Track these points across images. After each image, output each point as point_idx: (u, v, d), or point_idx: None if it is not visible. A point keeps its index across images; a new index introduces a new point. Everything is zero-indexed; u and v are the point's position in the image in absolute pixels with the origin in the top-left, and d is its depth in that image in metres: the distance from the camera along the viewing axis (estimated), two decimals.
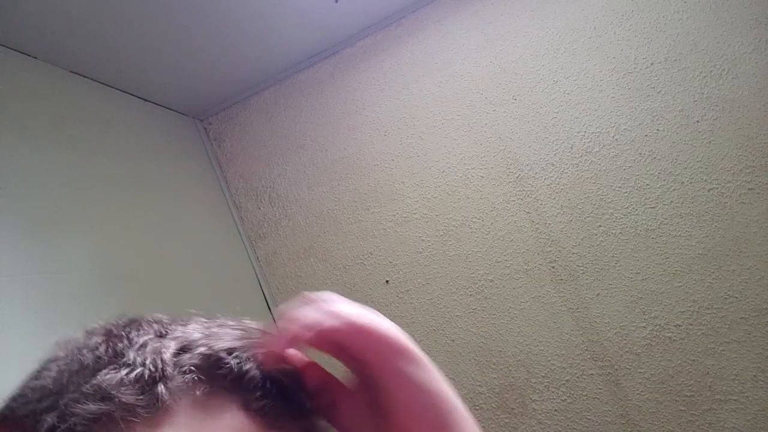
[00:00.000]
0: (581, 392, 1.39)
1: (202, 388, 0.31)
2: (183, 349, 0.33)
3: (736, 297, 1.29)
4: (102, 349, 0.32)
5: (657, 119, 1.39)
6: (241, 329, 0.38)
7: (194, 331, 0.35)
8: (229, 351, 0.34)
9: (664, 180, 1.37)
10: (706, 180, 1.34)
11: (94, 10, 1.11)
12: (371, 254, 1.60)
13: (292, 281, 1.68)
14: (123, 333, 0.34)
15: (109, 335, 0.33)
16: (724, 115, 1.33)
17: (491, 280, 1.48)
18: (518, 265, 1.47)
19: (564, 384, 1.41)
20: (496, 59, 1.53)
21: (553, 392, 1.42)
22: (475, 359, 1.48)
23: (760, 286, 1.28)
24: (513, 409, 1.44)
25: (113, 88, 1.41)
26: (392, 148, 1.61)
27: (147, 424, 0.28)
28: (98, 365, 0.31)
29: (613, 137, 1.42)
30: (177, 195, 1.48)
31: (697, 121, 1.35)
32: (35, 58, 1.17)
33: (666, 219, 1.36)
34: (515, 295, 1.46)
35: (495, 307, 1.48)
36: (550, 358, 1.42)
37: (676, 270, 1.34)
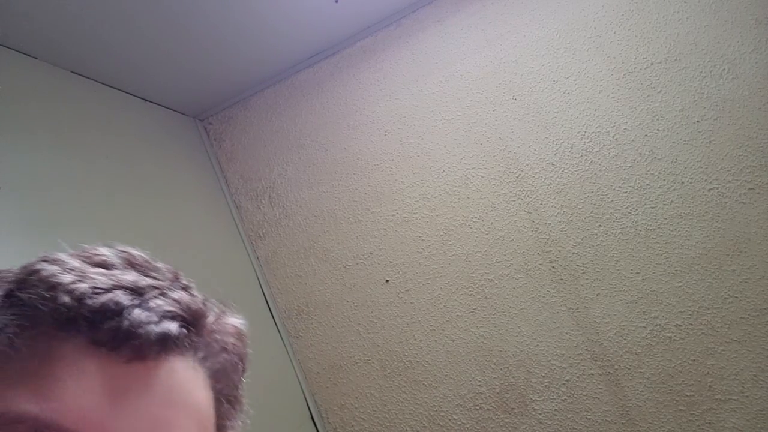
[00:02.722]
0: (581, 392, 1.39)
1: (29, 334, 0.27)
2: (9, 295, 0.29)
3: (737, 297, 1.29)
4: None
5: (657, 119, 1.39)
6: (94, 260, 0.32)
7: (29, 269, 0.30)
8: (62, 284, 0.29)
9: (664, 180, 1.37)
10: (706, 180, 1.34)
11: (95, 10, 1.11)
12: (371, 254, 1.60)
13: (292, 281, 1.68)
14: None
15: None
16: (724, 114, 1.33)
17: (491, 280, 1.48)
18: (518, 264, 1.47)
19: (564, 384, 1.41)
20: (496, 59, 1.53)
21: (553, 392, 1.42)
22: (475, 359, 1.48)
23: (760, 285, 1.28)
24: (513, 409, 1.44)
25: (113, 88, 1.41)
26: (392, 148, 1.61)
27: None
28: None
29: (613, 137, 1.42)
30: (177, 195, 1.48)
31: (697, 121, 1.36)
32: (35, 58, 1.17)
33: (666, 219, 1.36)
34: (515, 294, 1.46)
35: (495, 306, 1.48)
36: (550, 358, 1.42)
37: (676, 270, 1.34)
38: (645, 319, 1.36)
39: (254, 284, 1.65)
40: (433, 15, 1.60)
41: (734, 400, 1.28)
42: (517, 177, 1.49)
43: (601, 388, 1.38)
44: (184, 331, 0.31)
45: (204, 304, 0.35)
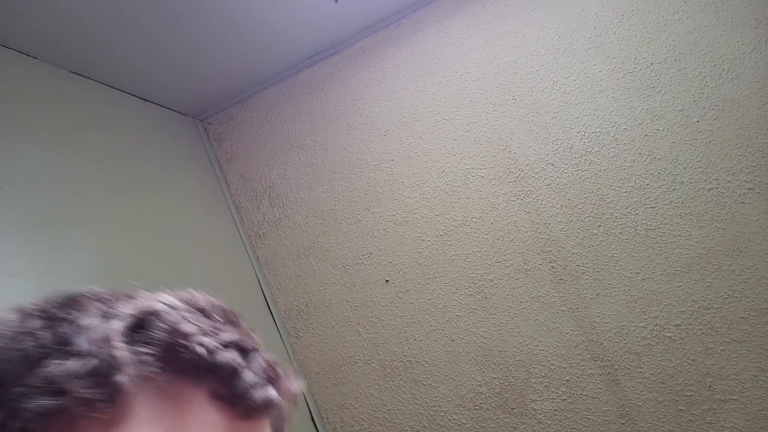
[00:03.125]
0: (581, 392, 1.39)
1: (165, 376, 0.29)
2: (134, 330, 0.29)
3: (736, 297, 1.29)
4: (43, 334, 0.28)
5: (657, 119, 1.39)
6: (198, 305, 0.34)
7: (145, 307, 0.31)
8: (192, 333, 0.30)
9: (664, 180, 1.37)
10: (706, 180, 1.34)
11: (95, 11, 1.11)
12: (371, 254, 1.60)
13: (292, 281, 1.68)
14: (64, 315, 0.29)
15: (49, 318, 0.29)
16: (723, 114, 1.33)
17: (491, 280, 1.48)
18: (518, 264, 1.47)
19: (564, 384, 1.41)
20: (496, 59, 1.53)
21: (553, 392, 1.42)
22: (475, 359, 1.48)
23: (760, 285, 1.28)
24: (513, 408, 1.44)
25: (113, 88, 1.41)
26: (392, 148, 1.61)
27: (107, 420, 0.26)
28: (43, 354, 0.27)
29: (612, 137, 1.42)
30: (177, 195, 1.48)
31: (697, 121, 1.36)
32: (35, 58, 1.17)
33: (666, 219, 1.36)
34: (515, 294, 1.46)
35: (495, 306, 1.48)
36: (550, 358, 1.42)
37: (676, 270, 1.34)
38: (645, 318, 1.36)
39: (254, 284, 1.65)
40: (433, 15, 1.60)
41: (734, 399, 1.28)
42: (517, 177, 1.49)
43: (600, 388, 1.38)
44: (279, 397, 0.34)
45: (280, 364, 0.39)
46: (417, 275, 1.55)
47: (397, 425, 1.53)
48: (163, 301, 0.32)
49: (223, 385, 0.31)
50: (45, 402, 0.25)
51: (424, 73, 1.60)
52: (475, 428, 1.46)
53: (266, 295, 1.66)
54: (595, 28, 1.45)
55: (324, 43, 1.64)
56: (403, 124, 1.61)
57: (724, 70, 1.34)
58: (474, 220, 1.51)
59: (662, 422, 1.33)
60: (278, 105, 1.74)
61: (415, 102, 1.60)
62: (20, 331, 0.28)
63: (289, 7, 1.37)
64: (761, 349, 1.27)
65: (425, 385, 1.52)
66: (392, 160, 1.61)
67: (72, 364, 0.26)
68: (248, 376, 0.32)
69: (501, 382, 1.46)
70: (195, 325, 0.31)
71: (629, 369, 1.36)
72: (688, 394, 1.31)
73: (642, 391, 1.35)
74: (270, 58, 1.60)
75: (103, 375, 0.27)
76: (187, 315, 0.32)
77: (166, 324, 0.30)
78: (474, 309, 1.49)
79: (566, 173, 1.45)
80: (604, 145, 1.42)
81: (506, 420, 1.44)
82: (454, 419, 1.48)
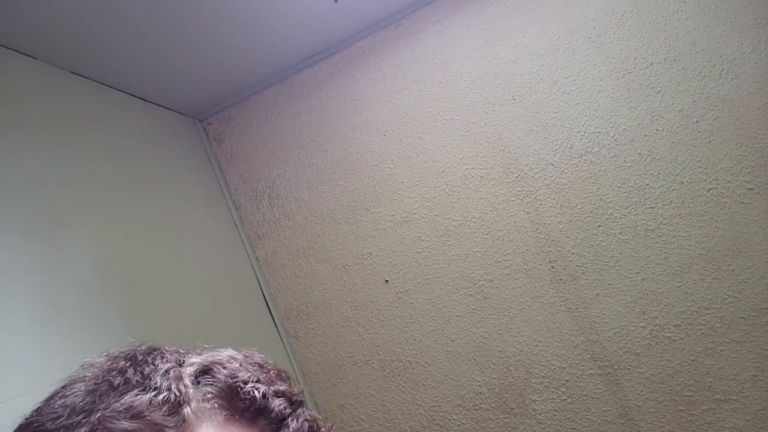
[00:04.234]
0: (581, 392, 1.39)
1: (224, 413, 0.34)
2: (201, 374, 0.36)
3: (736, 297, 1.29)
4: (130, 372, 0.35)
5: (656, 119, 1.39)
6: (255, 360, 0.40)
7: (212, 357, 0.38)
8: (249, 380, 0.36)
9: (664, 180, 1.37)
10: (705, 180, 1.34)
11: (94, 11, 1.12)
12: (371, 254, 1.60)
13: (291, 281, 1.68)
14: (148, 359, 0.37)
15: (134, 360, 0.37)
16: (723, 115, 1.33)
17: (491, 280, 1.48)
18: (518, 265, 1.47)
19: (564, 384, 1.41)
20: (496, 59, 1.53)
21: (552, 392, 1.42)
22: (474, 359, 1.48)
23: (759, 285, 1.28)
24: (513, 409, 1.44)
25: (113, 88, 1.41)
26: (392, 148, 1.61)
27: None
28: (128, 387, 0.33)
29: (612, 137, 1.42)
30: (176, 195, 1.48)
31: (697, 121, 1.36)
32: (35, 58, 1.18)
33: (665, 219, 1.36)
34: (515, 295, 1.46)
35: (494, 307, 1.48)
36: (549, 358, 1.42)
37: (675, 270, 1.34)
38: (644, 319, 1.36)
39: (254, 284, 1.65)
40: (432, 15, 1.60)
41: (734, 400, 1.28)
42: (517, 177, 1.49)
43: (600, 388, 1.38)
44: None
45: (323, 421, 0.42)
46: (417, 275, 1.55)
47: (397, 425, 1.53)
48: (226, 353, 0.39)
49: (271, 428, 0.35)
50: (125, 424, 0.31)
51: (423, 74, 1.60)
52: (475, 428, 1.46)
53: (266, 296, 1.66)
54: (594, 28, 1.45)
55: (324, 44, 1.64)
56: (402, 124, 1.61)
57: (723, 70, 1.34)
58: (473, 220, 1.51)
59: (662, 422, 1.33)
60: (278, 105, 1.74)
61: (414, 102, 1.60)
62: (110, 368, 0.36)
63: (288, 8, 1.37)
64: (761, 349, 1.27)
65: (425, 386, 1.52)
66: (392, 160, 1.61)
67: (149, 396, 0.32)
68: (293, 424, 0.37)
69: (501, 382, 1.46)
70: (252, 373, 0.37)
71: (629, 369, 1.36)
72: (687, 394, 1.31)
73: (642, 391, 1.35)
74: (270, 58, 1.60)
75: (173, 405, 0.32)
76: (245, 365, 0.38)
77: (228, 370, 0.36)
78: (474, 309, 1.49)
79: (566, 173, 1.45)
80: (603, 145, 1.42)
81: (506, 420, 1.44)
82: (454, 419, 1.48)
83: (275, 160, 1.73)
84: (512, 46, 1.52)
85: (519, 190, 1.48)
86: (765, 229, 1.28)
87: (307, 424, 0.38)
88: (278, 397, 0.37)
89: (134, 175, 1.33)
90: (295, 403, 0.38)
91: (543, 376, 1.43)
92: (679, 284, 1.34)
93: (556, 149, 1.46)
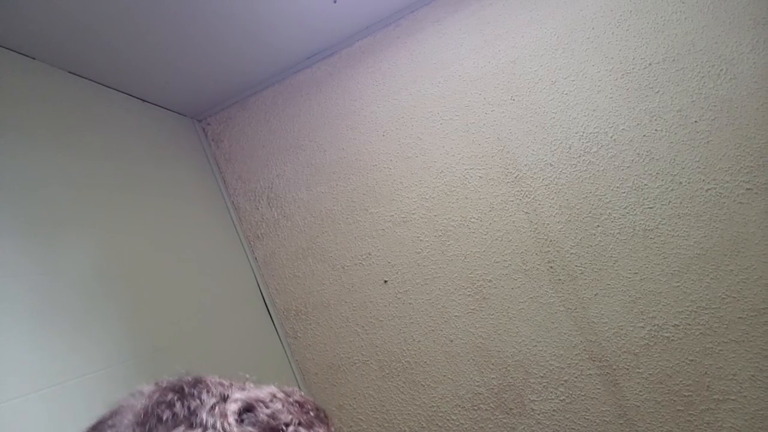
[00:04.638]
0: (579, 392, 1.39)
1: None
2: (244, 412, 0.36)
3: (734, 297, 1.29)
4: (178, 406, 0.36)
5: (655, 119, 1.39)
6: (296, 399, 0.41)
7: (254, 395, 0.38)
8: (289, 422, 0.37)
9: (662, 180, 1.37)
10: (704, 180, 1.34)
11: (93, 11, 1.11)
12: (370, 254, 1.60)
13: (290, 282, 1.68)
14: (194, 392, 0.38)
15: (182, 393, 0.37)
16: (722, 115, 1.34)
17: (490, 281, 1.49)
18: (516, 265, 1.47)
19: (562, 384, 1.41)
20: (495, 59, 1.53)
21: (551, 392, 1.42)
22: (473, 359, 1.48)
23: (758, 285, 1.28)
24: (511, 409, 1.44)
25: (111, 88, 1.41)
26: (391, 149, 1.61)
27: None
28: (176, 422, 0.34)
29: (611, 137, 1.42)
30: (175, 195, 1.48)
31: (695, 122, 1.36)
32: (33, 58, 1.17)
33: (664, 219, 1.36)
34: (514, 295, 1.46)
35: (493, 307, 1.48)
36: (548, 358, 1.43)
37: (674, 270, 1.35)
38: (643, 319, 1.36)
39: (252, 285, 1.65)
40: (431, 15, 1.60)
41: (732, 400, 1.28)
42: (516, 177, 1.49)
43: (599, 389, 1.38)
44: None
45: None
46: (415, 276, 1.55)
47: (396, 426, 1.53)
48: (267, 390, 0.40)
49: None
50: None
51: (422, 74, 1.60)
52: (474, 429, 1.46)
53: (264, 296, 1.66)
54: (593, 28, 1.45)
55: (322, 44, 1.64)
56: (401, 125, 1.61)
57: (722, 70, 1.34)
58: (472, 220, 1.51)
59: (661, 422, 1.33)
60: (277, 105, 1.74)
61: (413, 102, 1.60)
62: (159, 401, 0.36)
63: (287, 8, 1.37)
64: (759, 349, 1.27)
65: (424, 386, 1.52)
66: (391, 160, 1.61)
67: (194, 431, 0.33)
68: None
69: (499, 382, 1.46)
70: (293, 416, 0.38)
71: (627, 369, 1.36)
72: (686, 394, 1.31)
73: (640, 391, 1.35)
74: (268, 59, 1.60)
75: None
76: (287, 406, 0.39)
77: (270, 410, 0.37)
78: (472, 309, 1.49)
79: (565, 173, 1.45)
80: (602, 146, 1.42)
81: (505, 420, 1.44)
82: (453, 420, 1.48)
83: (274, 160, 1.73)
84: (511, 47, 1.52)
85: (518, 191, 1.48)
86: (763, 229, 1.29)
87: None
88: None
89: (133, 176, 1.33)
90: None
91: (542, 377, 1.43)
92: (678, 284, 1.34)
93: (555, 149, 1.46)
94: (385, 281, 1.58)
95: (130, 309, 1.13)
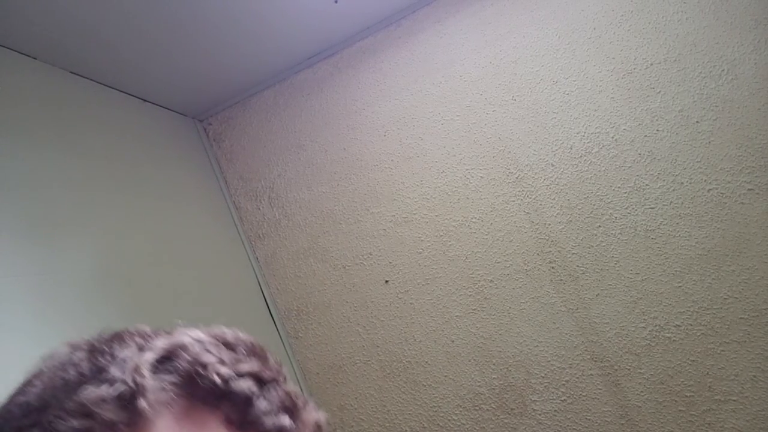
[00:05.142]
0: (581, 393, 1.39)
1: (183, 402, 0.32)
2: (161, 361, 0.33)
3: (736, 297, 1.29)
4: (84, 364, 0.33)
5: (656, 120, 1.39)
6: (224, 340, 0.37)
7: (175, 341, 0.35)
8: (210, 363, 0.34)
9: (664, 180, 1.37)
10: (705, 180, 1.34)
11: (94, 11, 1.11)
12: (371, 254, 1.60)
13: (291, 282, 1.68)
14: (105, 348, 0.34)
15: (92, 350, 0.34)
16: (723, 115, 1.33)
17: (491, 281, 1.48)
18: (518, 265, 1.47)
19: (564, 384, 1.41)
20: (496, 60, 1.53)
21: (552, 393, 1.42)
22: (474, 360, 1.48)
23: (759, 286, 1.28)
24: (513, 409, 1.44)
25: (112, 88, 1.41)
26: (392, 149, 1.61)
27: None
28: (81, 381, 0.31)
29: (612, 138, 1.42)
30: (176, 195, 1.48)
31: (697, 122, 1.36)
32: (34, 58, 1.17)
33: (666, 219, 1.36)
34: (515, 295, 1.46)
35: (495, 307, 1.48)
36: (549, 359, 1.42)
37: (675, 270, 1.34)
38: (644, 319, 1.36)
39: (253, 285, 1.65)
40: (432, 15, 1.60)
41: (733, 400, 1.28)
42: (517, 177, 1.49)
43: (600, 389, 1.38)
44: (294, 425, 0.36)
45: (301, 396, 0.40)
46: (417, 276, 1.55)
47: (397, 426, 1.53)
48: (192, 335, 0.36)
49: (236, 411, 0.33)
50: (75, 423, 0.28)
51: (423, 74, 1.60)
52: (475, 429, 1.46)
53: (266, 296, 1.66)
54: (594, 28, 1.45)
55: (324, 44, 1.64)
56: (402, 125, 1.61)
57: (723, 70, 1.34)
58: (474, 220, 1.51)
59: (662, 423, 1.33)
60: (278, 105, 1.74)
61: (414, 102, 1.60)
62: (66, 361, 0.34)
63: (288, 8, 1.37)
64: (761, 350, 1.27)
65: (425, 386, 1.52)
66: (392, 160, 1.61)
67: (102, 390, 0.30)
68: (262, 404, 0.34)
69: (501, 382, 1.46)
70: (215, 356, 0.34)
71: (629, 370, 1.36)
72: (687, 394, 1.31)
73: (642, 391, 1.35)
74: (269, 59, 1.60)
75: (127, 400, 0.30)
76: (210, 348, 0.35)
77: (189, 355, 0.34)
78: (474, 309, 1.49)
79: (566, 174, 1.45)
80: (603, 146, 1.42)
81: (506, 421, 1.44)
82: (454, 420, 1.48)
83: (275, 160, 1.73)
84: (512, 47, 1.52)
85: (519, 191, 1.48)
86: (765, 230, 1.28)
87: (278, 402, 0.35)
88: (244, 377, 0.34)
89: (134, 176, 1.33)
90: (265, 382, 0.36)
91: (543, 377, 1.43)
92: (679, 285, 1.34)
93: (556, 150, 1.46)
94: (387, 281, 1.58)
95: (130, 309, 1.13)
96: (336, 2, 1.42)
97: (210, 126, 1.80)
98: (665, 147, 1.37)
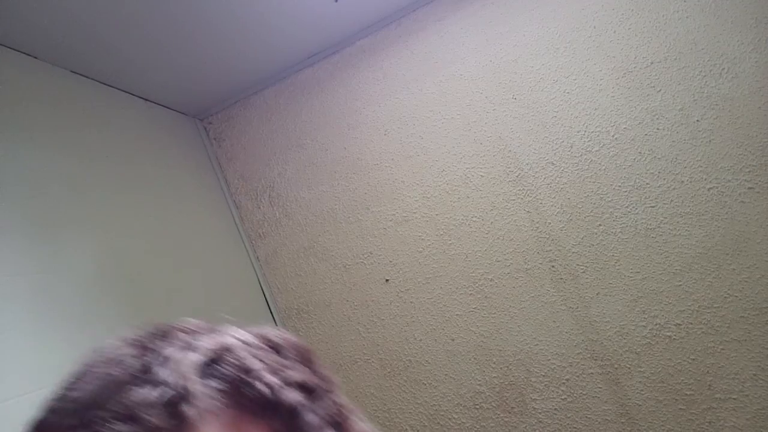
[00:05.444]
0: (581, 391, 1.39)
1: (230, 411, 0.31)
2: (208, 364, 0.32)
3: (736, 296, 1.29)
4: (131, 363, 0.32)
5: (657, 118, 1.39)
6: (271, 342, 0.36)
7: (222, 342, 0.34)
8: (257, 370, 0.33)
9: (664, 179, 1.37)
10: (706, 179, 1.34)
11: (95, 10, 1.11)
12: (371, 253, 1.60)
13: (292, 280, 1.68)
14: (151, 344, 0.33)
15: (139, 347, 0.33)
16: (723, 114, 1.33)
17: (491, 279, 1.49)
18: (518, 264, 1.47)
19: (564, 383, 1.41)
20: (496, 58, 1.53)
21: (553, 391, 1.42)
22: (475, 358, 1.48)
23: (760, 284, 1.28)
24: (513, 408, 1.44)
25: (113, 87, 1.41)
26: (392, 148, 1.61)
27: None
28: (127, 380, 0.31)
29: (612, 136, 1.42)
30: (177, 194, 1.48)
31: (697, 120, 1.35)
32: (35, 57, 1.17)
33: (666, 218, 1.36)
34: (515, 294, 1.46)
35: (495, 306, 1.48)
36: (550, 357, 1.43)
37: (676, 269, 1.35)
38: (645, 318, 1.36)
39: (254, 284, 1.65)
40: (433, 14, 1.60)
41: (734, 399, 1.28)
42: (517, 176, 1.49)
43: (600, 387, 1.38)
44: None
45: (349, 407, 0.39)
46: (417, 274, 1.55)
47: (397, 424, 1.53)
48: (238, 336, 0.35)
49: (283, 423, 0.32)
50: (120, 427, 0.28)
51: (424, 73, 1.60)
52: (475, 427, 1.46)
53: (266, 295, 1.66)
54: (595, 27, 1.45)
55: (324, 43, 1.64)
56: (403, 124, 1.61)
57: (724, 69, 1.34)
58: (474, 219, 1.51)
59: (662, 421, 1.33)
60: (278, 104, 1.74)
61: (415, 101, 1.60)
62: (114, 357, 0.33)
63: (289, 7, 1.37)
64: (761, 348, 1.27)
65: (425, 385, 1.52)
66: (392, 159, 1.61)
67: (148, 393, 0.29)
68: (309, 417, 0.33)
69: (501, 381, 1.46)
70: (262, 362, 0.33)
71: (629, 368, 1.36)
72: (688, 393, 1.31)
73: (642, 390, 1.35)
74: (270, 58, 1.60)
75: (173, 405, 0.29)
76: (257, 352, 0.34)
77: (236, 360, 0.33)
78: (474, 308, 1.49)
79: (566, 172, 1.45)
80: (604, 144, 1.42)
81: (506, 419, 1.44)
82: (454, 418, 1.48)
83: (276, 159, 1.73)
84: (513, 45, 1.52)
85: (519, 189, 1.48)
86: (765, 228, 1.28)
87: (326, 415, 0.34)
88: (292, 387, 0.33)
89: (134, 175, 1.33)
90: (313, 391, 0.34)
91: (543, 375, 1.43)
92: (680, 283, 1.34)
93: (557, 148, 1.46)
94: (387, 280, 1.58)
95: (130, 308, 1.13)
96: (336, 1, 1.42)
97: (211, 125, 1.80)
98: (665, 145, 1.37)
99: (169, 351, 0.32)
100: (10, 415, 0.80)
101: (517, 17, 1.52)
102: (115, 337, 0.35)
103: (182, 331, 0.35)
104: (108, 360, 0.33)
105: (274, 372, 0.33)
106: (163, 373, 0.31)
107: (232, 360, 0.32)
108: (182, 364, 0.31)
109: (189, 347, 0.33)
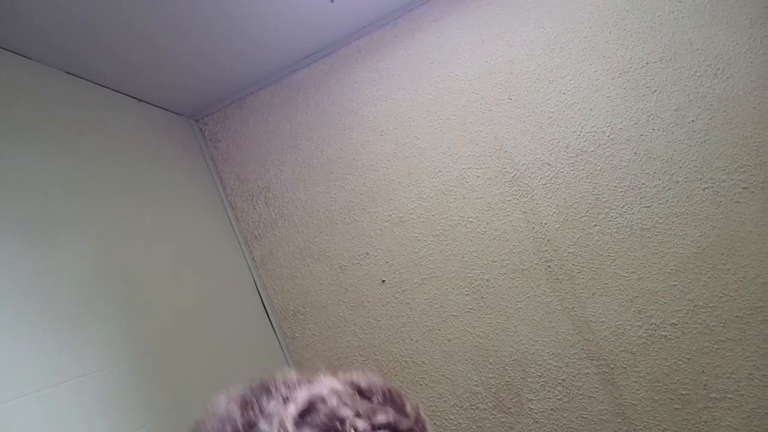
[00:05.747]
0: (577, 391, 1.40)
1: None
2: (302, 414, 0.35)
3: (731, 295, 1.30)
4: (238, 420, 0.36)
5: (652, 118, 1.39)
6: (359, 388, 0.39)
7: (315, 393, 0.37)
8: (348, 417, 0.35)
9: (660, 179, 1.37)
10: (701, 179, 1.34)
11: (90, 11, 1.11)
12: (367, 254, 1.60)
13: (287, 282, 1.68)
14: (255, 400, 0.38)
15: (244, 404, 0.37)
16: (719, 114, 1.34)
17: (487, 280, 1.49)
18: (514, 264, 1.47)
19: (560, 383, 1.41)
20: (492, 59, 1.53)
21: (549, 391, 1.42)
22: (471, 359, 1.48)
23: (755, 284, 1.28)
24: (509, 408, 1.44)
25: (108, 88, 1.40)
26: (388, 148, 1.61)
27: None
28: None
29: (608, 136, 1.42)
30: (172, 195, 1.47)
31: (692, 121, 1.36)
32: (30, 58, 1.17)
33: (661, 218, 1.36)
34: (511, 294, 1.46)
35: (491, 306, 1.48)
36: (546, 357, 1.43)
37: (671, 269, 1.35)
38: (640, 318, 1.36)
39: (250, 285, 1.65)
40: (428, 15, 1.60)
41: (729, 398, 1.28)
42: (513, 177, 1.49)
43: (596, 387, 1.38)
44: None
45: None
46: (413, 275, 1.55)
47: None
48: (329, 385, 0.38)
49: None
50: None
51: (420, 73, 1.60)
52: (472, 428, 1.46)
53: (262, 296, 1.66)
54: (590, 27, 1.45)
55: (320, 43, 1.63)
56: (399, 124, 1.61)
57: (719, 69, 1.35)
58: (470, 219, 1.51)
59: (658, 421, 1.33)
60: (274, 105, 1.74)
61: (411, 102, 1.60)
62: (224, 416, 0.37)
63: (284, 7, 1.37)
64: (756, 348, 1.27)
65: (422, 385, 1.52)
66: (388, 160, 1.61)
67: None
68: None
69: (497, 381, 1.46)
70: (352, 409, 0.36)
71: (625, 368, 1.36)
72: (683, 392, 1.32)
73: (638, 390, 1.35)
74: (266, 58, 1.60)
75: None
76: (346, 399, 0.37)
77: (328, 408, 0.36)
78: (470, 309, 1.49)
79: (562, 173, 1.45)
80: (599, 145, 1.42)
81: (502, 419, 1.45)
82: (451, 419, 1.48)
83: (271, 160, 1.73)
84: (508, 46, 1.52)
85: (515, 190, 1.48)
86: (760, 228, 1.29)
87: None
88: (380, 430, 0.36)
89: (130, 176, 1.33)
90: None
91: (539, 376, 1.43)
92: (675, 283, 1.34)
93: (553, 149, 1.46)
94: (383, 281, 1.58)
95: (126, 310, 1.13)
96: (332, 1, 1.42)
97: (206, 126, 1.80)
98: (661, 146, 1.38)
99: (270, 406, 0.37)
100: (7, 417, 0.79)
101: (512, 18, 1.52)
102: (223, 395, 0.40)
103: (282, 384, 0.39)
104: (219, 420, 0.37)
105: (362, 416, 0.36)
106: (264, 427, 0.35)
107: (323, 408, 0.36)
108: (281, 416, 0.35)
109: (287, 399, 0.37)
